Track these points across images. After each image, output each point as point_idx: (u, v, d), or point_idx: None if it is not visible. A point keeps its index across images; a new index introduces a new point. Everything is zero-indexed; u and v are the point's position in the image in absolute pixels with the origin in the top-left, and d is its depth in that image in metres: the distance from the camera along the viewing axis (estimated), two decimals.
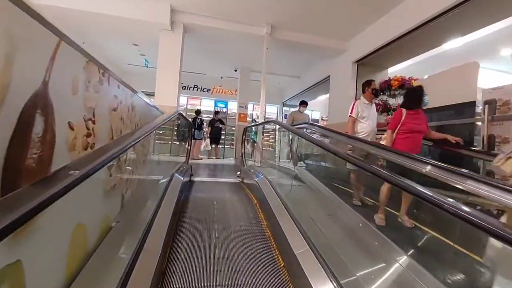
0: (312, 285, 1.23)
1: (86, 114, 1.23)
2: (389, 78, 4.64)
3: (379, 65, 5.53)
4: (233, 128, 9.30)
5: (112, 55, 7.55)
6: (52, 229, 0.98)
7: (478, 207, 1.62)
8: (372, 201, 2.76)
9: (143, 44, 6.34)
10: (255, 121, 8.92)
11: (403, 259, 1.63)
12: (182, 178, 2.95)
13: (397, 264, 1.61)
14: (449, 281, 1.54)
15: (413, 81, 4.64)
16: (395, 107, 4.73)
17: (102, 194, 1.46)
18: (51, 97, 0.95)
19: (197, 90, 9.96)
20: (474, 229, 0.68)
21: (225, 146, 9.75)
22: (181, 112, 3.92)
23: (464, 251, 1.78)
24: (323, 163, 3.94)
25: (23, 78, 0.82)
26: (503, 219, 1.45)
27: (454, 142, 2.50)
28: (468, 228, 0.70)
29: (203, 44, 6.10)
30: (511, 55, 5.67)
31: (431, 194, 0.80)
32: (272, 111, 10.84)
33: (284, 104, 10.94)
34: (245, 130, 5.27)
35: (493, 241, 1.47)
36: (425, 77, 4.83)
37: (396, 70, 5.75)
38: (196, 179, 4.07)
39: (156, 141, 4.47)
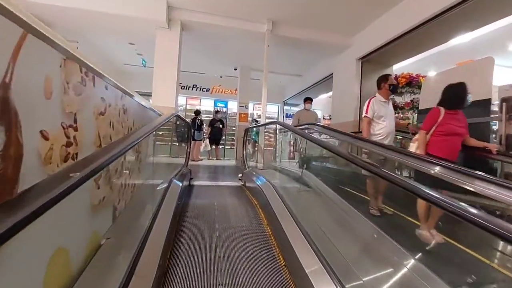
0: None
1: (65, 120, 1.05)
2: (396, 75, 4.46)
3: (384, 62, 5.35)
4: (234, 128, 9.13)
5: (109, 55, 7.38)
6: (22, 260, 0.81)
7: None
8: (391, 209, 2.51)
9: (140, 43, 6.16)
10: (256, 121, 8.75)
11: None
12: (180, 184, 2.78)
13: None
14: None
15: (421, 78, 4.47)
16: (402, 105, 4.56)
17: (88, 210, 1.29)
18: (15, 103, 0.78)
19: (196, 90, 9.79)
20: None
21: (226, 147, 9.58)
22: (179, 114, 3.74)
23: None
24: (335, 167, 3.60)
25: None
26: None
27: (495, 152, 2.20)
28: None
29: (202, 42, 5.91)
30: None
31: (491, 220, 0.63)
32: (272, 110, 10.65)
33: (285, 103, 10.76)
34: (247, 131, 5.08)
35: None
36: (435, 73, 4.67)
37: (400, 67, 5.56)
38: (196, 183, 3.90)
39: (155, 143, 4.30)
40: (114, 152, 1.02)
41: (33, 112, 0.87)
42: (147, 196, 2.28)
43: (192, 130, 6.89)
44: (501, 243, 1.57)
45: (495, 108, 2.91)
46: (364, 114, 2.84)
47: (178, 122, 4.90)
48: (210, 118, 8.34)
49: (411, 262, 1.53)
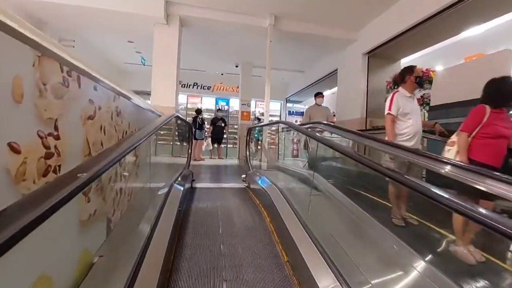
0: None
1: (43, 128, 0.90)
2: None
3: (391, 56, 5.15)
4: (236, 127, 8.97)
5: (108, 54, 7.23)
6: None
7: None
8: (417, 219, 2.25)
9: (138, 41, 5.99)
10: (259, 119, 8.58)
11: None
12: (182, 188, 2.64)
13: None
14: None
15: (431, 72, 4.27)
16: None
17: (76, 228, 1.14)
18: None
19: (197, 88, 9.62)
20: None
21: (228, 145, 9.43)
22: (179, 115, 3.57)
23: None
24: (351, 169, 3.15)
25: None
26: None
27: None
28: None
29: (202, 39, 5.72)
30: None
31: None
32: (275, 107, 10.46)
33: (287, 100, 10.56)
34: (250, 130, 4.91)
35: None
36: (445, 67, 4.47)
37: (405, 62, 5.34)
38: (198, 185, 3.76)
39: (157, 142, 4.16)
40: (103, 164, 0.87)
41: None
42: (145, 204, 2.13)
43: (194, 129, 6.75)
44: None
45: None
46: (387, 111, 2.45)
47: (179, 122, 4.74)
48: (212, 117, 8.18)
49: (443, 281, 1.35)
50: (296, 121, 9.64)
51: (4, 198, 0.74)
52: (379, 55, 5.05)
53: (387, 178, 1.35)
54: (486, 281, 1.48)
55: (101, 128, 1.38)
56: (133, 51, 6.78)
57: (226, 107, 9.80)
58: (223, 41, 5.92)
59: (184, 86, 9.30)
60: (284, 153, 6.07)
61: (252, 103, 8.13)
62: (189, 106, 9.60)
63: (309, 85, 8.14)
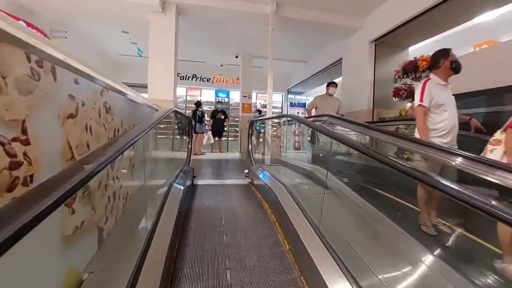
0: None
1: (4, 132, 0.73)
2: (415, 58, 4.03)
3: (399, 44, 4.89)
4: (237, 119, 8.77)
5: (102, 45, 6.96)
6: None
7: None
8: (450, 226, 2.01)
9: (134, 31, 5.72)
10: (260, 112, 8.36)
11: None
12: (182, 188, 2.48)
13: None
14: None
15: None
16: None
17: (58, 245, 0.98)
18: None
19: (196, 80, 9.36)
20: None
21: (229, 139, 9.25)
22: (177, 109, 3.38)
23: None
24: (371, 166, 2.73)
25: None
26: None
27: None
28: None
29: (200, 28, 5.45)
30: None
31: None
32: (276, 99, 10.21)
33: (289, 92, 10.31)
34: (251, 124, 4.71)
35: None
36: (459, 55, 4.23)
37: (413, 49, 5.08)
38: (199, 182, 3.61)
39: (156, 137, 3.98)
40: (88, 171, 0.70)
41: None
42: (142, 208, 1.97)
43: (193, 123, 6.55)
44: None
45: None
46: (418, 102, 2.08)
47: (178, 116, 4.56)
48: (212, 109, 7.97)
49: None
50: (298, 113, 9.42)
51: None
52: (386, 43, 4.79)
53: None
54: None
55: (86, 128, 1.20)
56: (129, 42, 6.52)
57: (226, 100, 9.57)
58: (222, 30, 5.65)
59: (183, 79, 9.04)
60: (286, 146, 5.90)
61: (253, 94, 7.90)
62: (188, 98, 9.37)
63: (312, 76, 7.88)
